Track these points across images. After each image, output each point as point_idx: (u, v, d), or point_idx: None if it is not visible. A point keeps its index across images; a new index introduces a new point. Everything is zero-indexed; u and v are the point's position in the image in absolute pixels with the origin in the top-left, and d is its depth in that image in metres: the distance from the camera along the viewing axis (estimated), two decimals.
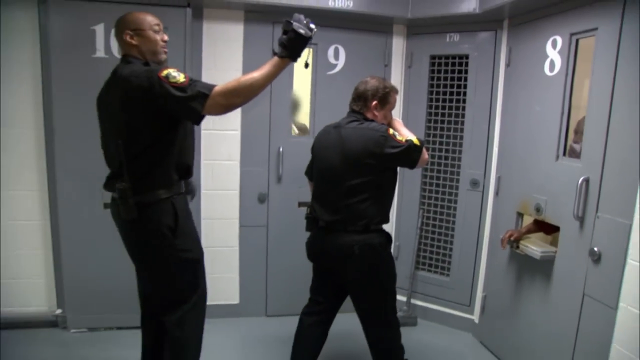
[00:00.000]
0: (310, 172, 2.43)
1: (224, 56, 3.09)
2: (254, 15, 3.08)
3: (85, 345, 2.88)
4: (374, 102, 2.21)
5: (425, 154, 2.21)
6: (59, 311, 3.03)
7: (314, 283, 2.43)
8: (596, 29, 2.27)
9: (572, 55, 2.44)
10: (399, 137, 2.13)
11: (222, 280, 3.29)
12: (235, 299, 3.35)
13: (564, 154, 2.50)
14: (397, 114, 3.37)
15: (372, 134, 2.11)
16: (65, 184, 2.88)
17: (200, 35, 3.02)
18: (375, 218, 2.16)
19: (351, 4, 2.99)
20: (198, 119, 1.81)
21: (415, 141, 2.15)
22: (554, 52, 2.52)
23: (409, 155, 2.13)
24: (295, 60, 1.86)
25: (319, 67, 3.22)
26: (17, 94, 2.84)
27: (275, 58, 1.82)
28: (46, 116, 2.86)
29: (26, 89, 2.83)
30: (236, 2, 2.94)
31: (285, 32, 1.82)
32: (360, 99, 2.24)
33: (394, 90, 2.28)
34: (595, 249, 2.19)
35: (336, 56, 3.24)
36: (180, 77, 1.77)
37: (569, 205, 2.34)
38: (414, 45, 3.31)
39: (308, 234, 2.37)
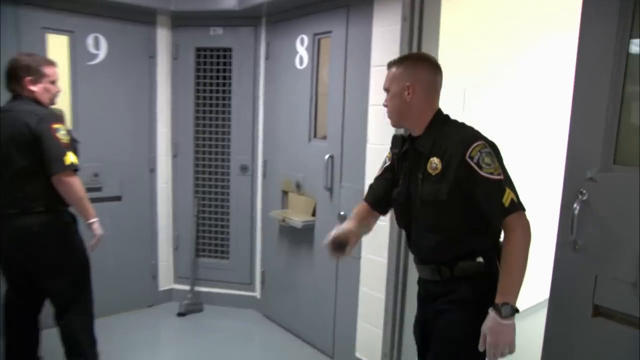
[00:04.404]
0: None
1: None
2: None
3: None
4: (28, 78, 2.10)
5: (74, 178, 2.12)
6: None
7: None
8: (331, 31, 2.71)
9: (315, 52, 2.84)
10: (60, 135, 2.07)
11: None
12: None
13: (314, 135, 2.88)
14: (165, 104, 3.38)
15: (31, 117, 2.04)
16: None
17: None
18: (53, 198, 2.13)
19: None
20: None
21: (68, 161, 2.07)
22: (302, 49, 2.90)
23: (59, 153, 2.06)
24: None
25: (78, 57, 2.99)
26: None
27: None
28: None
29: None
30: None
31: None
32: (12, 79, 2.12)
33: (47, 62, 2.19)
34: (342, 212, 2.58)
35: (96, 45, 3.06)
36: None
37: (321, 179, 2.72)
38: (179, 37, 3.34)
39: None
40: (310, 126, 2.89)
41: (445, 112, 1.59)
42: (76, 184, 2.11)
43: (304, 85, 2.90)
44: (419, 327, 1.70)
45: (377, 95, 2.42)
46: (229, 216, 3.48)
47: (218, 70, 3.37)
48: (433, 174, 1.48)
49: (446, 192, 1.45)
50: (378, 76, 2.41)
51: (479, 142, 1.43)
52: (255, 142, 3.35)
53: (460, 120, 1.59)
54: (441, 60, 2.32)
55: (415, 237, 1.59)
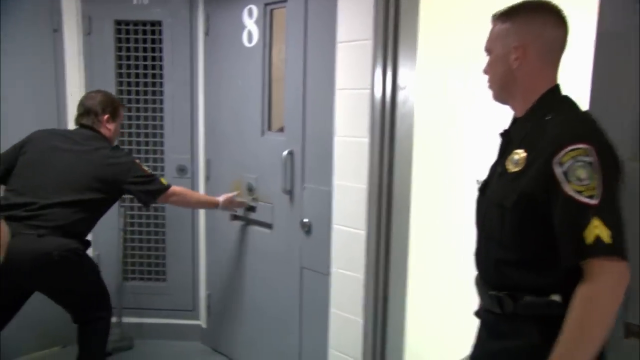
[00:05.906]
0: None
1: None
2: None
3: None
4: (106, 116, 2.37)
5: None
6: None
7: None
8: (286, 0, 2.40)
9: (268, 26, 2.55)
10: (144, 167, 2.37)
11: None
12: None
13: (269, 128, 2.60)
14: (78, 91, 3.04)
15: (122, 166, 2.28)
16: None
17: None
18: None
19: None
20: None
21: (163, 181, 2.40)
22: (250, 22, 2.61)
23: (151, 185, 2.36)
24: None
25: None
26: None
27: None
28: None
29: None
30: None
31: None
32: (91, 113, 2.38)
33: (122, 105, 2.52)
34: (305, 220, 2.36)
35: None
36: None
37: (278, 180, 2.46)
38: (91, 7, 2.99)
39: None
40: (263, 117, 2.62)
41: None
42: None
43: (254, 67, 2.63)
44: None
45: (344, 78, 2.21)
46: (165, 229, 3.22)
47: (145, 50, 3.04)
48: (510, 171, 1.16)
49: (513, 199, 1.12)
50: (345, 54, 2.18)
51: (580, 146, 1.04)
52: (195, 138, 3.09)
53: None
54: (423, 38, 2.12)
55: (477, 244, 1.33)
